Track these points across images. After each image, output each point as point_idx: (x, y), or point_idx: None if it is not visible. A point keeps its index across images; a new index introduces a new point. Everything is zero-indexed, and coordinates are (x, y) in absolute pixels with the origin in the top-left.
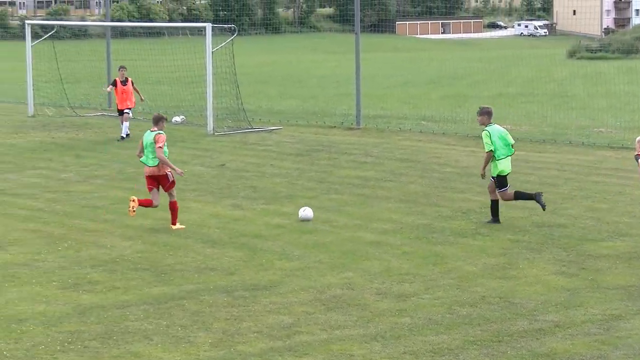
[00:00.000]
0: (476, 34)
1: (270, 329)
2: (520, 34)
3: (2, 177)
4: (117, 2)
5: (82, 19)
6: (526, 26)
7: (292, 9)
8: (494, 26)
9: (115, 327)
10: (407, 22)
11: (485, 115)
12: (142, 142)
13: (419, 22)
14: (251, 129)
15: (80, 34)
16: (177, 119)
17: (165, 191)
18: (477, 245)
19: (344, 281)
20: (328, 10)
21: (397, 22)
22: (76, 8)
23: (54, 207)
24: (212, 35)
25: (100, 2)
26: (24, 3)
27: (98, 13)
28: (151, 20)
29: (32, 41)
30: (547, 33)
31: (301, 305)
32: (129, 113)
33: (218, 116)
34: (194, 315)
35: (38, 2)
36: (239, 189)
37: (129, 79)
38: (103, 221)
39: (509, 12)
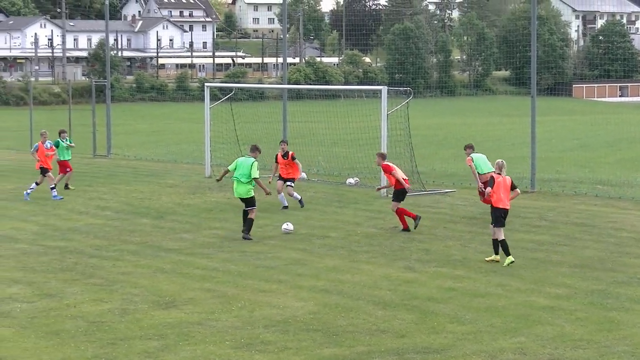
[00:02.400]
0: None
1: None
2: None
3: (178, 236)
4: (295, 64)
5: (260, 82)
6: None
7: (467, 72)
8: None
9: None
10: (584, 85)
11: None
12: None
13: (596, 85)
14: (425, 191)
15: (257, 95)
16: (351, 180)
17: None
18: None
19: (516, 346)
20: (504, 73)
21: (573, 85)
22: (254, 70)
23: (228, 267)
24: (388, 97)
25: (277, 65)
26: (203, 66)
27: (275, 75)
28: (327, 83)
29: (210, 103)
30: None
31: None
32: (291, 185)
33: None
34: None
35: (217, 65)
36: (412, 252)
37: (290, 153)
38: (276, 282)
39: None
